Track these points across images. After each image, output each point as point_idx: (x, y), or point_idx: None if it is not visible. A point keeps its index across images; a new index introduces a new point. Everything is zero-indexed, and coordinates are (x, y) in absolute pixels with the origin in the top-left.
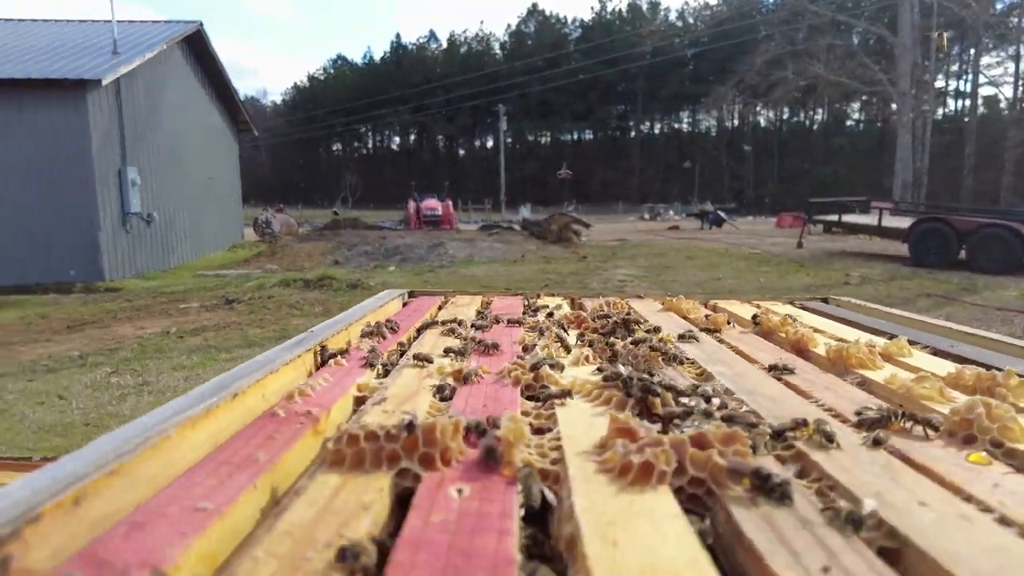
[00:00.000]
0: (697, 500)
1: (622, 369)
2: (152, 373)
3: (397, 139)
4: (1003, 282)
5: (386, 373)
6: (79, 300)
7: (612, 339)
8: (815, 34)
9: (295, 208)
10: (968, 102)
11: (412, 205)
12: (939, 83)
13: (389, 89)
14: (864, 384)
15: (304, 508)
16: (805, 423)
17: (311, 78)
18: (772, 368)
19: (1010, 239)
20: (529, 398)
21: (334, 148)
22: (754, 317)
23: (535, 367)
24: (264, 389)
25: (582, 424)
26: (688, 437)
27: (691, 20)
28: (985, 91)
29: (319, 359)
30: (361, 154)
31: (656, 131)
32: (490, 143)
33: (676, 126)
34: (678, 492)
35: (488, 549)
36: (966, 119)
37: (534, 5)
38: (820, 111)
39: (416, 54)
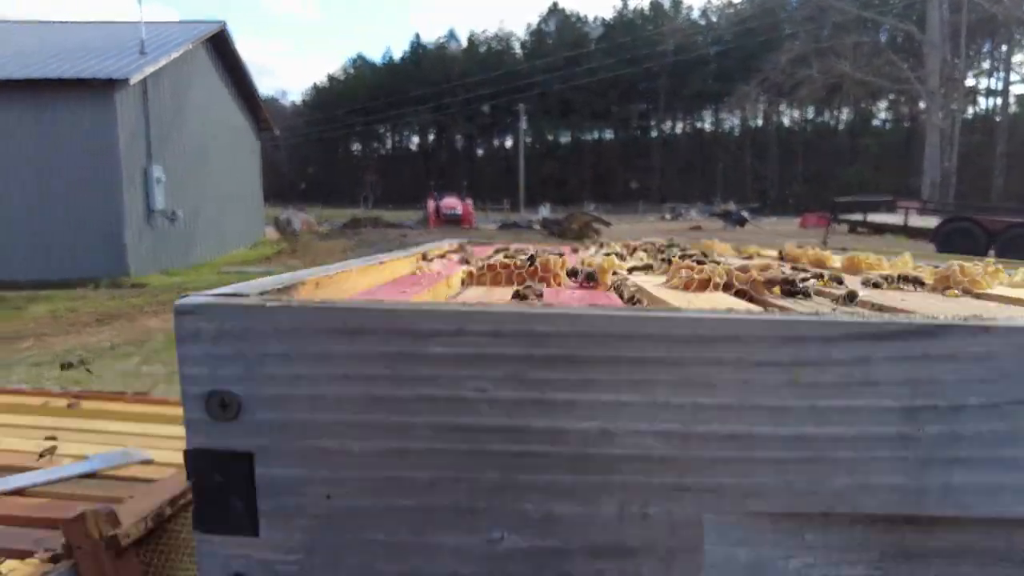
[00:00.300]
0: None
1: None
2: None
3: (416, 139)
4: None
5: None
6: (106, 295)
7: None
8: (840, 32)
9: (315, 207)
10: (999, 100)
11: (432, 204)
12: (970, 81)
13: (408, 89)
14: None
15: (476, 292)
16: (821, 275)
17: (331, 78)
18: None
19: None
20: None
21: (353, 148)
22: (780, 252)
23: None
24: (393, 268)
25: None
26: (736, 266)
27: (714, 18)
28: (1017, 89)
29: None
30: (380, 154)
31: (678, 131)
32: (509, 143)
33: (698, 126)
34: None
35: (600, 300)
36: (997, 118)
37: (555, 3)
38: (846, 110)
39: (435, 53)
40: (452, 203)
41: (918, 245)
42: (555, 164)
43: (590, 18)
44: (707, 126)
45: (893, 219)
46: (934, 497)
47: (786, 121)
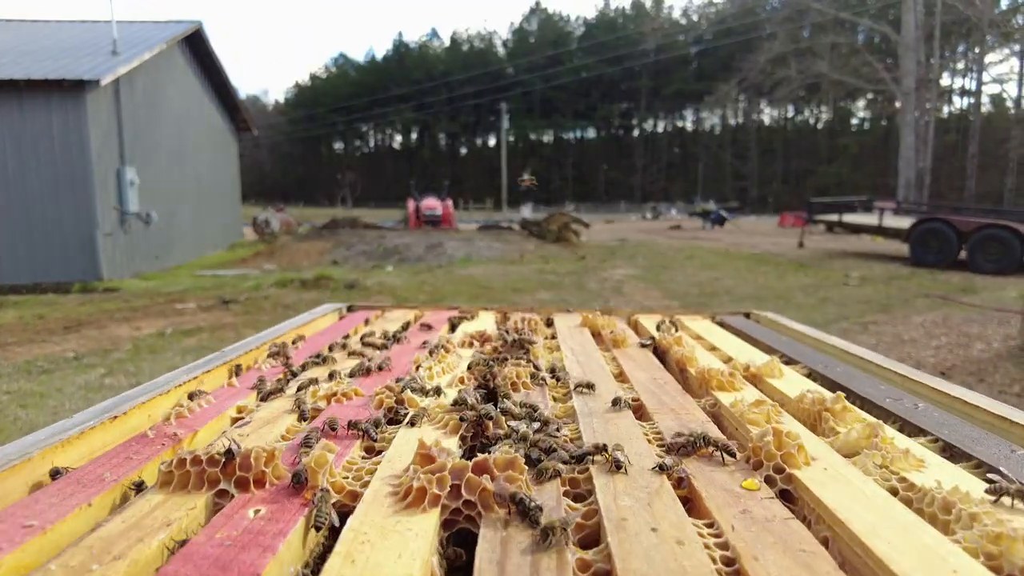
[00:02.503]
0: (472, 520)
1: (468, 396)
2: (146, 375)
3: (399, 137)
4: (1002, 283)
5: (269, 395)
6: (77, 300)
7: (493, 361)
8: (819, 32)
9: (297, 206)
10: (973, 100)
11: (412, 204)
12: (944, 81)
13: (391, 87)
14: (715, 406)
15: (118, 524)
16: (605, 448)
17: (313, 76)
18: (615, 402)
19: (1010, 239)
20: (390, 422)
21: (336, 147)
22: (651, 338)
23: (402, 390)
24: (151, 409)
25: (412, 448)
26: (472, 463)
27: (695, 18)
28: (990, 89)
29: (233, 374)
30: (363, 152)
31: (660, 129)
32: (492, 141)
33: (679, 124)
34: (455, 512)
35: (245, 563)
36: (971, 118)
37: (537, 3)
38: (825, 110)
39: (418, 52)
40: (432, 204)
41: (893, 245)
42: (538, 163)
43: (572, 17)
44: (688, 125)
45: (868, 219)
46: None
47: (766, 120)
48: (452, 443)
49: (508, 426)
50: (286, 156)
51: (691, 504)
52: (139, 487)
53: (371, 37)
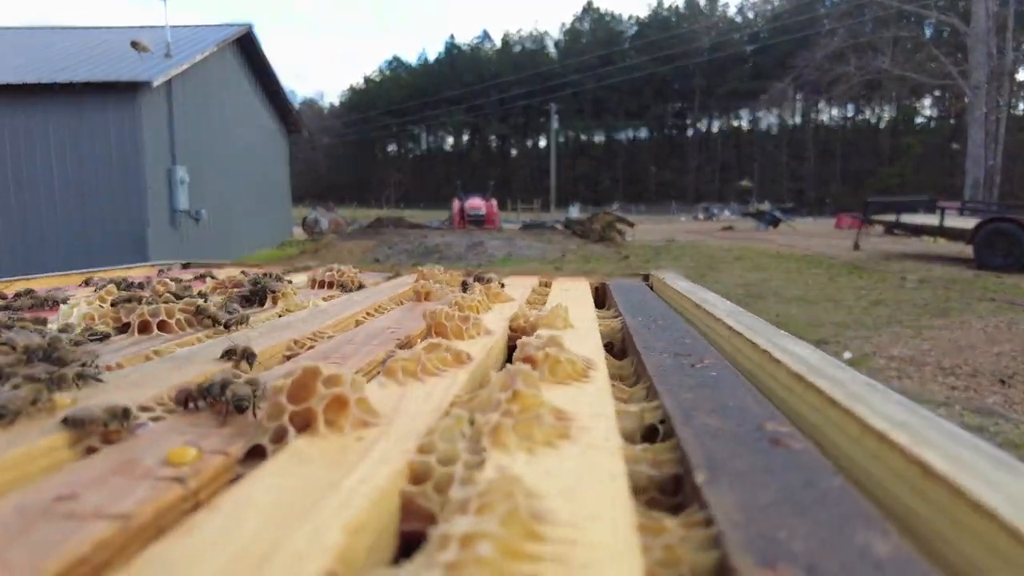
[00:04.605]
0: None
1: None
2: None
3: (450, 139)
4: None
5: None
6: None
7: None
8: (881, 26)
9: (350, 207)
10: None
11: (457, 204)
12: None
13: (443, 90)
14: (401, 347)
15: None
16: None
17: (367, 80)
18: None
19: None
20: None
21: (388, 149)
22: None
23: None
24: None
25: None
26: None
27: (750, 15)
28: None
29: None
30: (415, 154)
31: (714, 130)
32: (542, 143)
33: (735, 124)
34: None
35: None
36: None
37: (589, 3)
38: (887, 108)
39: (470, 54)
40: (476, 204)
41: (957, 247)
42: (588, 163)
43: (624, 16)
44: (744, 125)
45: (928, 219)
46: None
47: (825, 119)
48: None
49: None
50: (340, 158)
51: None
52: None
53: (423, 40)
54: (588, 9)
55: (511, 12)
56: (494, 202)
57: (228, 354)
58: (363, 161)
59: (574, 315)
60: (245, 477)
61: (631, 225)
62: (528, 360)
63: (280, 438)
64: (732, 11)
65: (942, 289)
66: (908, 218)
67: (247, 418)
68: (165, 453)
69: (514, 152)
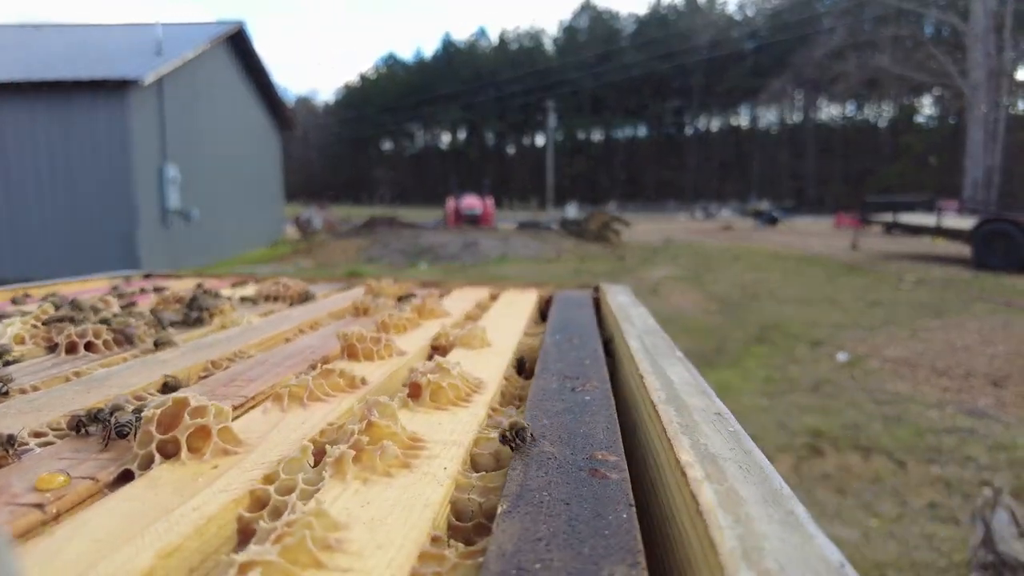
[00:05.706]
0: None
1: None
2: None
3: (447, 137)
4: None
5: None
6: None
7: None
8: (880, 24)
9: (344, 206)
10: None
11: (451, 203)
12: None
13: (439, 87)
14: (312, 369)
15: None
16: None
17: (362, 77)
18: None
19: None
20: None
21: (384, 147)
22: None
23: None
24: None
25: None
26: None
27: (750, 13)
28: None
29: None
30: (411, 153)
31: (713, 128)
32: (540, 141)
33: (734, 123)
34: None
35: None
36: None
37: (587, 0)
38: (887, 107)
39: (467, 52)
40: (472, 202)
41: (955, 247)
42: (586, 162)
43: (623, 14)
44: (743, 123)
45: (926, 219)
46: None
47: (824, 118)
48: None
49: None
50: (335, 156)
51: None
52: None
53: (419, 37)
54: (586, 6)
55: (508, 9)
56: (490, 200)
57: (83, 423)
58: (358, 159)
59: (504, 331)
60: (95, 503)
61: (627, 224)
62: (412, 386)
63: (147, 464)
64: (731, 8)
65: (939, 289)
66: (906, 218)
67: (129, 444)
68: (35, 479)
69: (511, 150)
